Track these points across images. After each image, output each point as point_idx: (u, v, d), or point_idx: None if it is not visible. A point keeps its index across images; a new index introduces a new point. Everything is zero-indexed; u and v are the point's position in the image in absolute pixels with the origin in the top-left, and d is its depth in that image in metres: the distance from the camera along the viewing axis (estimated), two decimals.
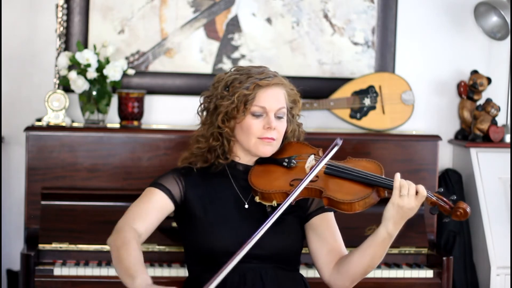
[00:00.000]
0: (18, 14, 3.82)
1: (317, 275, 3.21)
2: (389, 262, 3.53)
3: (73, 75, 3.62)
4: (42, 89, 3.78)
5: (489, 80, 3.96)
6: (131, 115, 3.73)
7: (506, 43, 4.01)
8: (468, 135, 3.98)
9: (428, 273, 3.47)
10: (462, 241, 3.84)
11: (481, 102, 4.01)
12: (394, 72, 4.01)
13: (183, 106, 3.87)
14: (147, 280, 2.32)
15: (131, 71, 3.75)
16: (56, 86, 3.72)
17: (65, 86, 3.71)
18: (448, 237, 3.86)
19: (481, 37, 4.05)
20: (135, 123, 3.74)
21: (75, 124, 3.69)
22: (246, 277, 2.45)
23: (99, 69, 3.67)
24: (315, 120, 3.92)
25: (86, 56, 3.64)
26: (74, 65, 3.67)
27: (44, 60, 3.83)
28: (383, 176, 2.41)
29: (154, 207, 2.50)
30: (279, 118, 2.52)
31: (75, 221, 3.42)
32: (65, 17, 3.72)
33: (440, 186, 3.86)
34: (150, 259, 3.32)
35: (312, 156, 2.50)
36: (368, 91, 3.90)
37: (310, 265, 3.40)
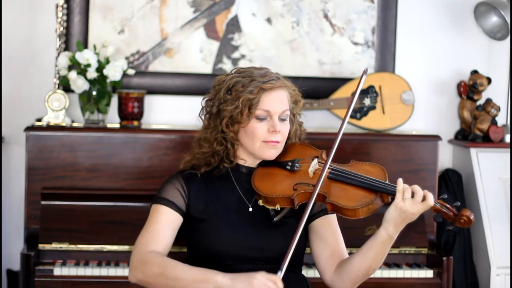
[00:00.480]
0: (18, 14, 3.82)
1: (318, 275, 3.21)
2: (389, 262, 3.53)
3: (73, 75, 3.62)
4: (42, 89, 3.78)
5: (489, 80, 3.96)
6: (131, 115, 3.73)
7: (506, 43, 4.02)
8: (468, 135, 3.98)
9: (428, 273, 3.48)
10: (462, 241, 3.84)
11: (481, 102, 4.01)
12: (394, 72, 4.01)
13: (183, 106, 3.87)
14: (224, 274, 2.33)
15: (131, 71, 3.75)
16: (56, 86, 3.72)
17: (65, 86, 3.71)
18: (448, 237, 3.86)
19: (481, 37, 4.05)
20: (135, 123, 3.74)
21: (75, 124, 3.69)
22: None
23: (99, 69, 3.67)
24: (315, 120, 3.92)
25: (86, 56, 3.64)
26: (74, 65, 3.67)
27: (44, 60, 3.83)
28: (387, 182, 2.40)
29: (163, 225, 2.48)
30: (283, 120, 2.51)
31: (75, 221, 3.42)
32: (65, 17, 3.72)
33: (440, 186, 3.86)
34: None
35: (316, 160, 2.49)
36: (368, 91, 3.90)
37: (311, 265, 3.40)
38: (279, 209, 2.44)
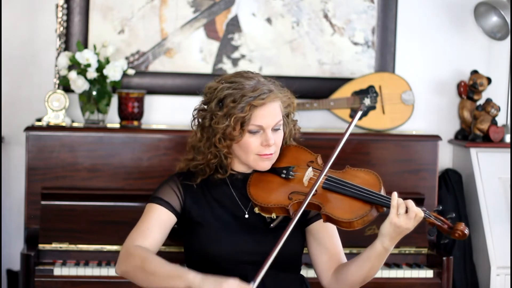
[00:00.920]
0: (18, 14, 3.82)
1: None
2: (389, 262, 3.53)
3: (73, 75, 3.62)
4: (42, 89, 3.78)
5: (489, 80, 3.96)
6: (131, 115, 3.73)
7: (506, 43, 4.01)
8: (468, 135, 3.98)
9: (428, 273, 3.48)
10: (462, 241, 3.84)
11: (481, 102, 4.01)
12: (394, 72, 4.01)
13: (183, 106, 3.87)
14: (196, 273, 2.33)
15: (131, 71, 3.75)
16: (56, 86, 3.72)
17: (65, 86, 3.71)
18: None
19: (481, 37, 4.05)
20: (135, 123, 3.74)
21: (75, 124, 3.69)
22: (247, 277, 2.45)
23: (99, 69, 3.67)
24: (315, 120, 3.92)
25: (86, 56, 3.64)
26: (74, 65, 3.67)
27: (44, 60, 3.83)
28: (382, 194, 2.39)
29: (155, 223, 2.49)
30: (276, 130, 2.50)
31: (75, 221, 3.42)
32: (65, 17, 3.72)
33: (440, 186, 3.86)
34: None
35: (310, 169, 2.48)
36: (368, 91, 3.90)
37: (310, 265, 3.40)
38: (275, 217, 2.44)
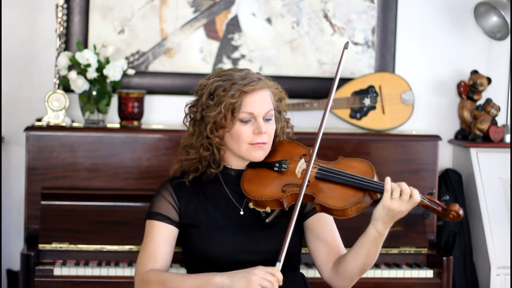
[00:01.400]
0: (18, 14, 3.82)
1: (317, 275, 3.20)
2: (389, 262, 3.53)
3: (73, 75, 3.63)
4: (42, 89, 3.78)
5: (489, 80, 3.96)
6: (131, 115, 3.73)
7: (506, 43, 4.01)
8: (468, 135, 3.98)
9: (428, 273, 3.48)
10: (462, 241, 3.84)
11: (481, 102, 4.01)
12: (394, 72, 4.01)
13: (183, 106, 3.85)
14: (221, 274, 2.33)
15: (131, 71, 3.75)
16: (56, 86, 3.72)
17: (65, 86, 3.71)
18: (448, 237, 3.86)
19: (481, 37, 4.05)
20: (135, 123, 3.74)
21: (75, 124, 3.69)
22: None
23: (99, 69, 3.67)
24: (315, 120, 3.92)
25: (86, 56, 3.64)
26: (74, 65, 3.67)
27: (44, 60, 3.83)
28: (375, 180, 2.39)
29: (160, 242, 2.48)
30: (268, 120, 2.50)
31: (75, 221, 3.43)
32: (65, 17, 3.72)
33: (440, 186, 3.86)
34: None
35: (303, 160, 2.48)
36: (368, 91, 3.90)
37: (310, 265, 3.40)
38: (269, 211, 2.44)
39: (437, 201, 2.35)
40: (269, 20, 3.95)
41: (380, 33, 4.01)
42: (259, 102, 2.47)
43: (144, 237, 2.52)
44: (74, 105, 3.80)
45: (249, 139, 2.47)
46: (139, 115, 3.75)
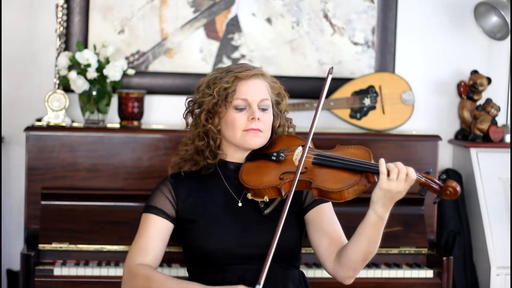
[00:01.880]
0: (18, 14, 3.82)
1: (317, 275, 3.21)
2: (389, 262, 3.53)
3: (73, 75, 3.63)
4: (42, 89, 3.78)
5: (489, 80, 3.96)
6: (131, 115, 3.73)
7: (506, 43, 4.02)
8: (468, 135, 3.98)
9: (428, 273, 3.48)
10: (462, 241, 3.84)
11: (481, 102, 4.01)
12: (394, 72, 4.01)
13: (183, 106, 3.86)
14: (200, 285, 2.36)
15: (131, 71, 3.75)
16: (56, 86, 3.72)
17: (65, 86, 3.71)
18: (448, 237, 3.86)
19: (481, 37, 4.05)
20: (135, 123, 3.74)
21: (75, 124, 3.69)
22: (244, 278, 2.45)
23: (99, 69, 3.67)
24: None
25: (86, 56, 3.64)
26: (74, 65, 3.67)
27: (44, 60, 3.83)
28: (372, 162, 2.40)
29: (153, 236, 2.50)
30: (264, 110, 2.51)
31: (75, 221, 3.43)
32: (65, 17, 3.72)
33: None
34: None
35: (300, 148, 2.49)
36: (368, 91, 3.90)
37: (310, 264, 3.40)
38: (267, 200, 2.44)
39: (434, 179, 2.34)
40: (269, 20, 3.95)
41: (380, 33, 4.01)
42: (254, 89, 2.48)
43: (138, 229, 2.53)
44: (74, 105, 3.80)
45: (243, 126, 2.47)
46: (139, 115, 3.75)
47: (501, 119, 4.03)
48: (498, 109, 3.93)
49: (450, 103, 4.08)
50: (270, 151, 2.52)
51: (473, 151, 3.87)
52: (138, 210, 3.42)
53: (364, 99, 3.90)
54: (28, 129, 3.54)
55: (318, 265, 3.36)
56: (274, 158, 2.49)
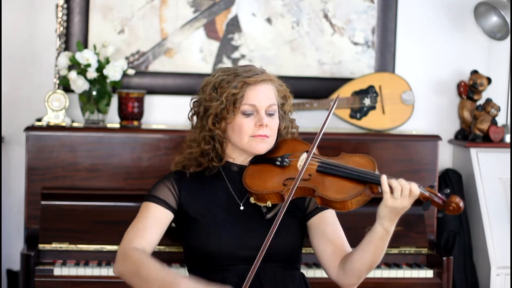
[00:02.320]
0: (18, 14, 3.82)
1: (317, 275, 3.21)
2: (389, 262, 3.53)
3: (73, 75, 3.63)
4: (42, 89, 3.78)
5: (489, 80, 3.96)
6: (131, 115, 3.73)
7: (506, 43, 4.02)
8: (468, 135, 3.98)
9: (428, 273, 3.48)
10: (462, 241, 3.84)
11: (481, 102, 4.01)
12: (394, 72, 4.01)
13: (183, 106, 3.82)
14: (190, 280, 2.33)
15: (131, 71, 3.75)
16: (56, 86, 3.72)
17: (65, 86, 3.71)
18: (448, 237, 3.86)
19: (481, 37, 4.05)
20: (135, 123, 3.74)
21: (75, 124, 3.69)
22: (244, 278, 2.45)
23: (99, 69, 3.67)
24: (315, 120, 3.92)
25: (86, 56, 3.64)
26: (74, 65, 3.67)
27: (44, 60, 3.83)
28: (376, 172, 2.39)
29: (151, 222, 2.49)
30: (271, 115, 2.50)
31: (75, 221, 3.43)
32: (65, 17, 3.72)
33: (440, 186, 3.86)
34: None
35: (305, 154, 2.48)
36: (368, 91, 3.90)
37: (310, 265, 3.40)
38: (270, 205, 2.44)
39: (438, 193, 2.34)
40: (269, 20, 3.95)
41: (380, 33, 4.01)
42: (262, 95, 2.48)
43: (136, 215, 2.52)
44: (74, 105, 3.80)
45: (250, 132, 2.47)
46: (139, 115, 3.75)
47: (501, 119, 4.03)
48: (498, 109, 3.93)
49: (450, 103, 4.08)
50: (274, 155, 2.52)
51: (473, 151, 3.87)
52: (138, 210, 3.44)
53: (364, 99, 3.90)
54: (28, 129, 3.54)
55: (318, 265, 3.36)
56: (278, 163, 2.49)
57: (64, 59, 3.67)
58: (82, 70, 3.66)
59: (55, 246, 3.39)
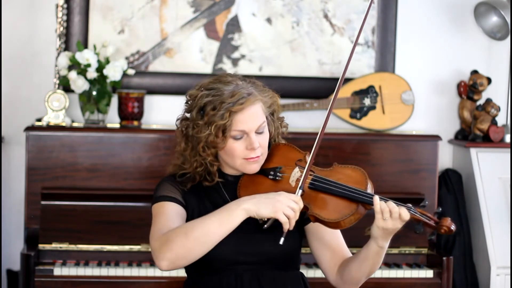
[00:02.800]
0: (18, 14, 3.82)
1: (317, 275, 3.21)
2: (389, 262, 3.53)
3: (73, 75, 3.63)
4: (42, 89, 3.78)
5: (489, 80, 3.96)
6: (131, 115, 3.73)
7: (506, 43, 4.01)
8: (468, 135, 3.98)
9: (428, 273, 3.48)
10: (462, 241, 3.84)
11: (481, 102, 4.01)
12: (394, 72, 4.01)
13: (183, 106, 3.86)
14: (244, 202, 2.32)
15: (131, 71, 3.75)
16: (56, 86, 3.72)
17: (65, 86, 3.71)
18: (448, 237, 3.86)
19: (481, 37, 4.05)
20: (135, 123, 3.74)
21: (75, 124, 3.69)
22: (243, 278, 2.44)
23: (99, 69, 3.67)
24: (315, 120, 3.92)
25: (86, 56, 3.64)
26: (74, 65, 3.67)
27: (44, 60, 3.83)
28: (368, 192, 2.38)
29: (171, 216, 2.43)
30: (260, 133, 2.48)
31: (75, 221, 3.43)
32: (65, 17, 3.72)
33: (440, 186, 3.86)
34: (150, 259, 3.32)
35: (297, 169, 2.48)
36: (368, 91, 3.90)
37: (311, 265, 3.40)
38: (266, 219, 2.43)
39: (429, 215, 2.35)
40: (269, 20, 3.95)
41: (380, 33, 4.01)
42: (250, 119, 2.44)
43: (153, 220, 2.44)
44: (74, 105, 3.80)
45: (242, 155, 2.45)
46: (139, 115, 3.75)
47: (501, 119, 4.03)
48: (498, 109, 3.93)
49: (450, 103, 4.08)
50: (268, 165, 2.51)
51: (473, 151, 3.87)
52: (138, 210, 3.44)
53: (364, 99, 3.90)
54: (28, 129, 3.54)
55: (318, 265, 3.35)
56: (271, 177, 2.49)
57: (64, 59, 3.67)
58: (82, 70, 3.66)
59: (55, 246, 3.39)
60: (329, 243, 2.52)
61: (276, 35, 3.95)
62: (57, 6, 3.71)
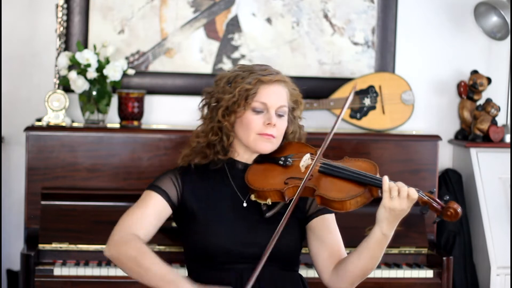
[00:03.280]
0: (18, 14, 3.82)
1: (317, 275, 3.21)
2: (389, 262, 3.53)
3: (73, 75, 3.63)
4: (42, 89, 3.78)
5: (489, 80, 3.96)
6: (131, 115, 3.73)
7: (506, 43, 4.02)
8: (468, 135, 3.98)
9: (428, 273, 3.48)
10: (462, 241, 3.84)
11: (481, 102, 4.01)
12: (394, 72, 4.01)
13: (183, 106, 3.87)
14: (190, 283, 2.35)
15: (131, 71, 3.75)
16: (56, 86, 3.72)
17: (65, 86, 3.71)
18: (448, 237, 3.86)
19: (481, 37, 4.05)
20: (135, 123, 3.75)
21: (75, 124, 3.69)
22: (242, 277, 2.45)
23: (99, 69, 3.67)
24: (315, 120, 3.92)
25: (86, 56, 3.64)
26: (74, 65, 3.67)
27: (44, 60, 3.83)
28: (377, 176, 2.40)
29: (151, 212, 2.49)
30: (280, 116, 2.52)
31: (75, 221, 3.43)
32: (65, 17, 3.72)
33: (440, 186, 3.86)
34: None
35: (308, 155, 2.49)
36: (368, 91, 3.90)
37: (310, 265, 3.40)
38: (270, 203, 2.44)
39: (436, 199, 2.36)
40: (269, 20, 3.95)
41: (380, 33, 4.01)
42: (274, 94, 2.50)
43: (137, 201, 2.52)
44: (74, 105, 3.80)
45: (258, 129, 2.48)
46: (139, 115, 3.75)
47: (501, 119, 4.03)
48: (498, 109, 3.93)
49: (450, 103, 4.08)
50: (278, 155, 2.53)
51: (473, 151, 3.87)
52: None
53: (364, 99, 3.90)
54: (28, 129, 3.54)
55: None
56: (281, 162, 2.50)
57: (64, 59, 3.67)
58: (82, 70, 3.66)
59: (55, 246, 3.39)
60: (328, 242, 2.53)
61: (276, 35, 3.95)
62: (57, 6, 3.71)
